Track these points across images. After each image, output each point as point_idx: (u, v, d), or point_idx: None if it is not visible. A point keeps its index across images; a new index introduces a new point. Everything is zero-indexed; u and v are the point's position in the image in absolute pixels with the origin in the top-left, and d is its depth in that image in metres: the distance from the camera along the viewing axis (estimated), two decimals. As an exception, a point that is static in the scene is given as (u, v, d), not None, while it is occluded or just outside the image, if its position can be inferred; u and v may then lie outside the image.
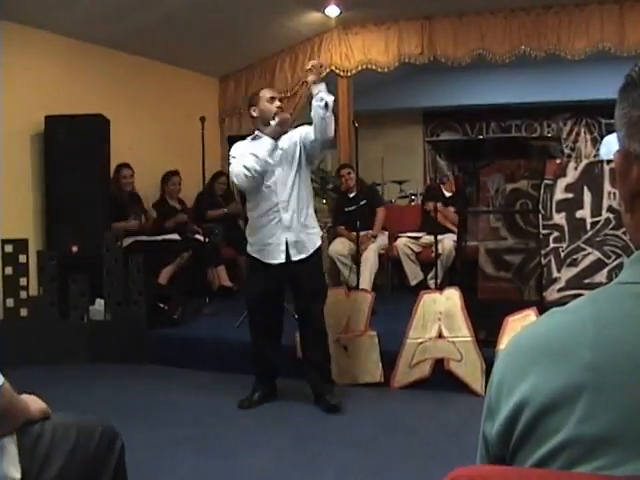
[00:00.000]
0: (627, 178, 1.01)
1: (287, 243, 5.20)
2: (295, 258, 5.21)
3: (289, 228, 5.18)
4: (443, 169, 10.31)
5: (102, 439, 2.30)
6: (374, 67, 9.25)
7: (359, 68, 9.33)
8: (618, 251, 6.20)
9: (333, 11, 8.70)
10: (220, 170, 9.39)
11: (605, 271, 6.23)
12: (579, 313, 1.00)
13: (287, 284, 5.43)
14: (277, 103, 5.34)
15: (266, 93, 5.40)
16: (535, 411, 0.97)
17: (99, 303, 6.90)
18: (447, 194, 8.50)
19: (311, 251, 5.27)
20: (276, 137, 5.18)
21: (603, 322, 0.96)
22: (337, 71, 9.41)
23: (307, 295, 5.37)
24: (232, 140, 7.69)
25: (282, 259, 5.21)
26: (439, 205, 8.35)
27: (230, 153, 5.38)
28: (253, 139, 5.33)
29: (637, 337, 0.92)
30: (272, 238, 5.22)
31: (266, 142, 5.14)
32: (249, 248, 5.38)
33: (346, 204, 8.32)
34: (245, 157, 5.11)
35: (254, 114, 5.38)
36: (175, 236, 8.25)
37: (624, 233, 6.12)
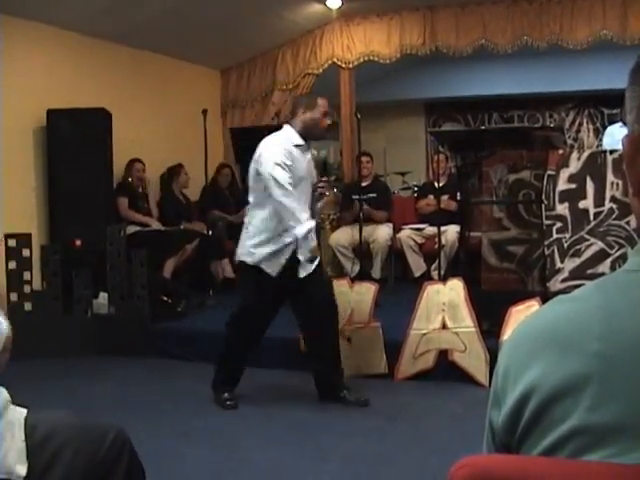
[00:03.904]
0: (635, 163, 1.00)
1: None
2: None
3: None
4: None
5: (114, 444, 2.29)
6: (376, 58, 9.24)
7: (361, 60, 9.32)
8: (621, 241, 6.19)
9: (334, 2, 8.69)
10: (223, 162, 9.38)
11: (608, 261, 6.22)
12: (587, 301, 0.99)
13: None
14: (328, 121, 5.19)
15: (323, 107, 5.20)
16: (542, 399, 0.97)
17: (103, 297, 6.91)
18: (438, 184, 8.48)
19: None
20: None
21: (611, 311, 0.95)
22: (339, 63, 9.40)
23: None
24: (234, 132, 7.74)
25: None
26: (430, 198, 8.46)
27: (274, 160, 4.95)
28: (295, 145, 5.06)
29: None
30: None
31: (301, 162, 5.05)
32: None
33: (355, 192, 8.30)
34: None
35: (302, 116, 5.12)
36: (178, 227, 8.24)
37: (627, 223, 6.12)
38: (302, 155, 5.06)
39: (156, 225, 8.08)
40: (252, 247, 5.01)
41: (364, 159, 8.73)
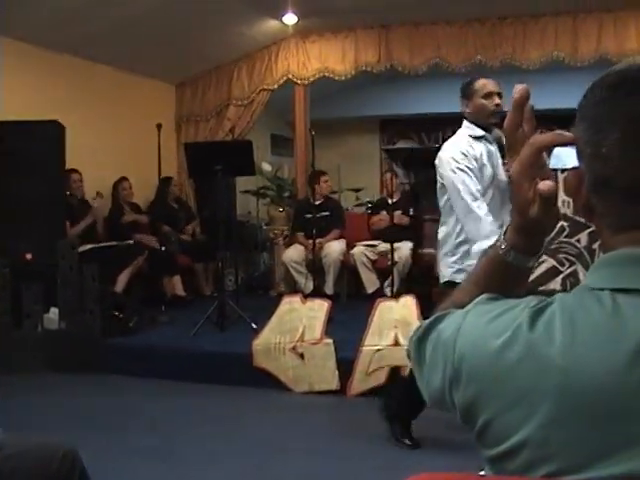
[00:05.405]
0: (580, 194, 1.09)
1: None
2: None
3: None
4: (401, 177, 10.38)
5: (64, 462, 2.26)
6: (331, 75, 9.27)
7: (316, 76, 9.34)
8: (572, 259, 6.25)
9: (290, 19, 8.70)
10: (168, 176, 9.25)
11: (559, 278, 6.27)
12: (550, 317, 1.01)
13: None
14: (497, 100, 4.37)
15: (482, 89, 4.38)
16: (498, 406, 1.00)
17: (53, 312, 6.82)
18: (391, 200, 8.53)
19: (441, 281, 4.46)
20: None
21: (572, 328, 0.97)
22: (294, 79, 9.42)
23: None
24: (188, 147, 7.72)
25: None
26: (383, 214, 8.49)
27: (454, 164, 4.25)
28: (475, 137, 4.36)
29: (606, 344, 0.94)
30: None
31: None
32: None
33: (308, 211, 8.30)
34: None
35: (467, 108, 4.43)
36: (129, 242, 8.18)
37: (578, 241, 6.19)
38: (487, 147, 4.36)
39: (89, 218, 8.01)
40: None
41: (323, 178, 8.77)
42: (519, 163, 1.16)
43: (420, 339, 1.21)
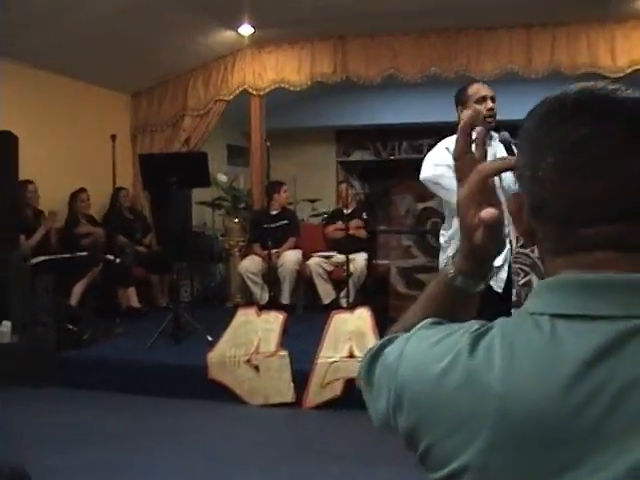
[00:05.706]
0: (521, 218, 1.09)
1: None
2: None
3: None
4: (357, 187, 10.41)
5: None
6: (287, 86, 9.27)
7: (272, 87, 9.34)
8: (527, 269, 6.32)
9: (246, 30, 8.69)
10: (120, 187, 9.16)
11: (514, 289, 6.33)
12: (488, 342, 1.01)
13: None
14: (490, 104, 4.47)
15: (475, 94, 4.50)
16: (440, 431, 1.00)
17: (5, 325, 6.73)
18: (347, 211, 8.53)
19: None
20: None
21: (511, 354, 0.97)
22: (250, 90, 9.41)
23: None
24: (143, 158, 7.66)
25: None
26: (339, 224, 8.50)
27: (430, 162, 4.47)
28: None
29: (543, 369, 0.94)
30: None
31: None
32: None
33: (266, 221, 8.25)
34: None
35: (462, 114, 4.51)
36: (83, 253, 8.09)
37: (532, 251, 6.25)
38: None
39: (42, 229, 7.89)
40: None
41: (284, 188, 8.78)
42: (467, 189, 1.16)
43: (371, 360, 1.22)
